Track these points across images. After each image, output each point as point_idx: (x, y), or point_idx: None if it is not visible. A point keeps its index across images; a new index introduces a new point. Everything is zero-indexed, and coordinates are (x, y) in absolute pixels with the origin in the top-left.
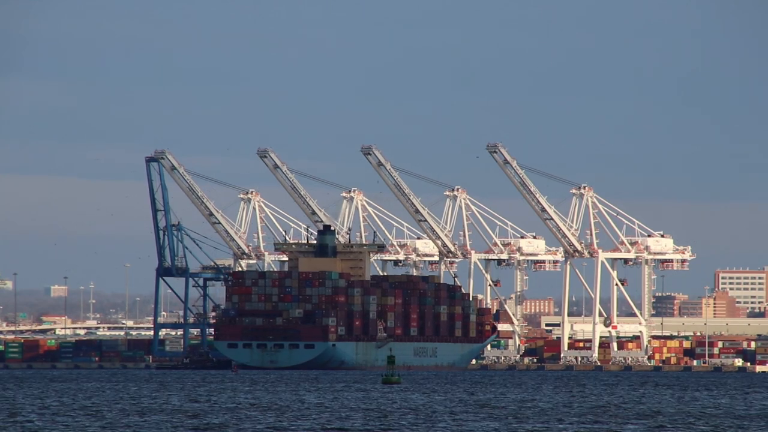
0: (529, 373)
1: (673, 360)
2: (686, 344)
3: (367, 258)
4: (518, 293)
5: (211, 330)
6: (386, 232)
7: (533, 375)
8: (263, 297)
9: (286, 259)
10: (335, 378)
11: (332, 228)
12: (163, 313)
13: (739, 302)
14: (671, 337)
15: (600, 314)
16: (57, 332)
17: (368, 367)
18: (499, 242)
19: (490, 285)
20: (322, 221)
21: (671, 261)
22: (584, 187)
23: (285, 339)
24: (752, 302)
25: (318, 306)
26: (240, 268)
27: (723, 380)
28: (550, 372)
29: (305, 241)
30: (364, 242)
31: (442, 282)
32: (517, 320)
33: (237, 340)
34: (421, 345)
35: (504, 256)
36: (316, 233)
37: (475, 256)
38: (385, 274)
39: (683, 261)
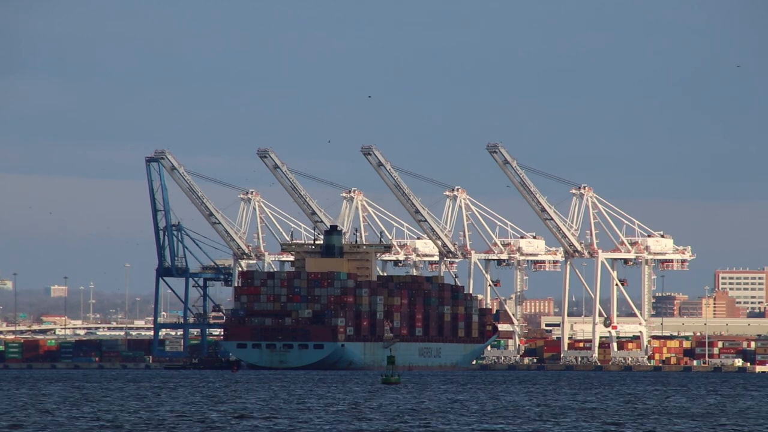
0: (532, 373)
1: (673, 360)
2: (686, 344)
3: (373, 258)
4: (518, 293)
5: (212, 330)
6: (386, 232)
7: (552, 376)
8: (272, 297)
9: (287, 259)
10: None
11: (339, 228)
12: (163, 313)
13: (739, 302)
14: (671, 337)
15: (600, 314)
16: (57, 332)
17: (375, 367)
18: (499, 242)
19: (490, 285)
20: (322, 221)
21: (671, 261)
22: (584, 187)
23: (294, 339)
24: (752, 302)
25: (327, 306)
26: (240, 268)
27: None
28: (552, 372)
29: (312, 242)
30: (365, 242)
31: (445, 282)
32: (517, 320)
33: (246, 341)
34: (426, 345)
35: (504, 256)
36: (322, 233)
37: (475, 256)
38: (385, 273)
39: (683, 261)
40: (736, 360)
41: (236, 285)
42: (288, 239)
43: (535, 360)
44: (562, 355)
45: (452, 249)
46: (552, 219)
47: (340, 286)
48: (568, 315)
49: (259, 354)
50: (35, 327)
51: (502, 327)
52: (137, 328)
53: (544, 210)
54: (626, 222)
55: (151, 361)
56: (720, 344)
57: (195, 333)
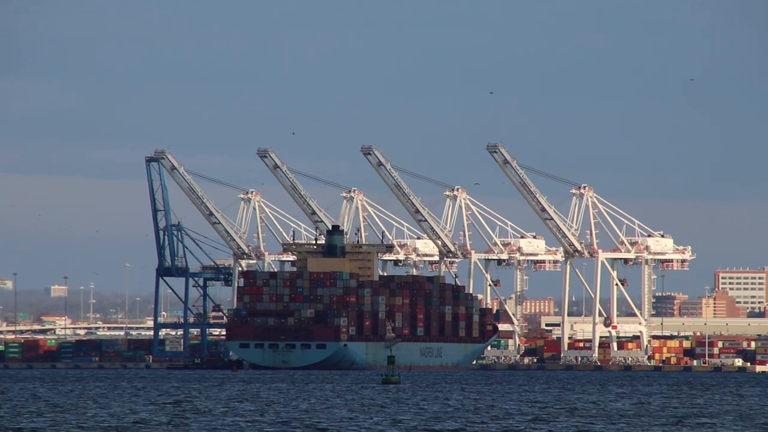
0: (535, 373)
1: (673, 360)
2: (686, 344)
3: (375, 258)
4: (518, 293)
5: (212, 330)
6: (386, 232)
7: (559, 376)
8: (274, 297)
9: (287, 259)
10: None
11: (341, 228)
12: (163, 313)
13: (739, 302)
14: (671, 337)
15: (600, 314)
16: (57, 332)
17: (377, 367)
18: (499, 242)
19: (490, 285)
20: (322, 221)
21: (671, 261)
22: (584, 187)
23: (297, 339)
24: (752, 302)
25: (329, 306)
26: (240, 268)
27: None
28: (552, 372)
29: (313, 242)
30: (365, 242)
31: (446, 282)
32: (517, 320)
33: (249, 340)
34: (428, 345)
35: (504, 256)
36: (323, 233)
37: (475, 256)
38: (385, 273)
39: (683, 261)
40: (736, 360)
41: (238, 285)
42: (288, 239)
43: (535, 360)
44: (562, 355)
45: (452, 249)
46: (552, 219)
47: (343, 286)
48: (568, 315)
49: (262, 354)
50: (35, 327)
51: (503, 327)
52: (137, 328)
53: (544, 210)
54: (626, 222)
55: (151, 361)
56: (720, 344)
57: (195, 333)
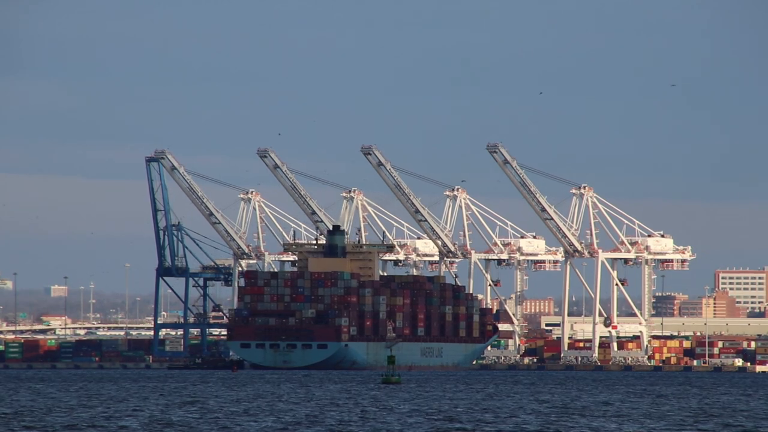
0: (535, 373)
1: (673, 360)
2: (686, 344)
3: (375, 258)
4: (518, 293)
5: (212, 330)
6: (386, 232)
7: (562, 377)
8: (275, 297)
9: (287, 259)
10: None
11: (341, 228)
12: (163, 313)
13: (739, 302)
14: (671, 337)
15: (600, 314)
16: (57, 332)
17: (378, 366)
18: (499, 242)
19: (490, 285)
20: (322, 221)
21: (671, 261)
22: (584, 187)
23: (298, 339)
24: (752, 302)
25: (330, 306)
26: (240, 268)
27: None
28: (552, 372)
29: (314, 242)
30: (365, 242)
31: (446, 282)
32: (517, 320)
33: (250, 340)
34: (428, 345)
35: (504, 256)
36: (325, 233)
37: (475, 256)
38: (386, 273)
39: (683, 261)
40: (736, 360)
41: (239, 285)
42: (288, 239)
43: (535, 360)
44: (562, 355)
45: (452, 249)
46: (552, 219)
47: (344, 286)
48: (568, 315)
49: (263, 354)
50: (35, 327)
51: (503, 327)
52: (137, 328)
53: (544, 210)
54: (626, 222)
55: (151, 361)
56: (720, 344)
57: (195, 333)
